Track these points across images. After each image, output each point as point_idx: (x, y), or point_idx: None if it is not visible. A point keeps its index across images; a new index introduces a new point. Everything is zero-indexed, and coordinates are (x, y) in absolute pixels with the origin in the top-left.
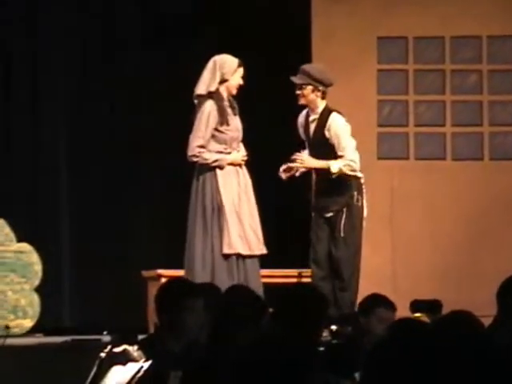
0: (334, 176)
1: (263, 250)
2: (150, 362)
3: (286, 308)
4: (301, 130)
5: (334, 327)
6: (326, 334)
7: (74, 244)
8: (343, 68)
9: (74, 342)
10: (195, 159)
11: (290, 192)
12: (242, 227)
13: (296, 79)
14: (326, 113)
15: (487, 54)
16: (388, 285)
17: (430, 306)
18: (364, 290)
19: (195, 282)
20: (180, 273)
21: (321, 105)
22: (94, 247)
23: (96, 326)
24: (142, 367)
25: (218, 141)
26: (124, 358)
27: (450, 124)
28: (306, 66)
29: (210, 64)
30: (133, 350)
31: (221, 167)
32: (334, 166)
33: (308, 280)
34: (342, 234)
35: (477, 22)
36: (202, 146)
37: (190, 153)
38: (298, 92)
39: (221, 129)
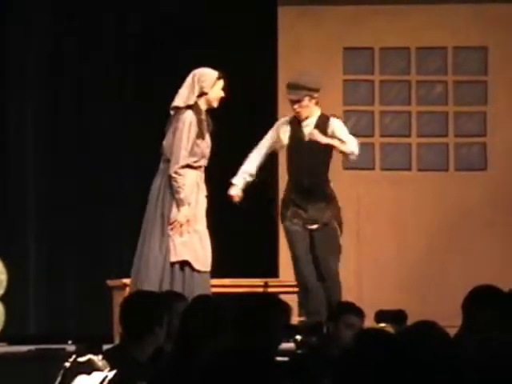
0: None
1: (207, 268)
2: (114, 372)
3: (245, 318)
4: (284, 136)
5: (298, 337)
6: (291, 344)
7: (40, 252)
8: None
9: (38, 351)
10: (174, 177)
11: (256, 200)
12: (193, 241)
13: (293, 96)
14: (325, 119)
15: (452, 64)
16: (353, 294)
17: (395, 316)
18: None
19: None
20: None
21: (317, 111)
22: (59, 256)
23: (61, 335)
24: (106, 377)
25: (190, 152)
26: (89, 368)
27: (415, 135)
28: (298, 80)
29: (189, 78)
30: (98, 359)
31: (178, 199)
32: (352, 144)
33: (274, 290)
34: (326, 248)
35: (442, 33)
36: (184, 166)
37: (173, 170)
38: (297, 108)
39: (197, 141)
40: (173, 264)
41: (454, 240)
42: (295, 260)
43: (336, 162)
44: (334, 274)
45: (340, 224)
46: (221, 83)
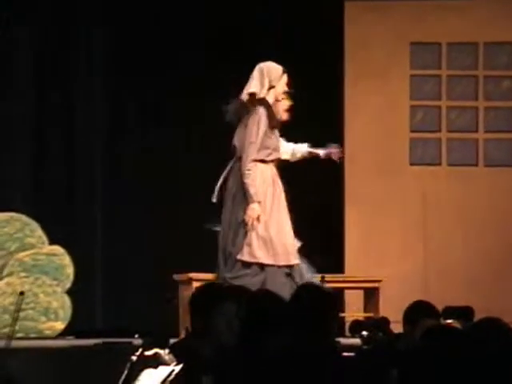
0: None
1: (290, 261)
2: (181, 366)
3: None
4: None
5: (365, 333)
6: (357, 339)
7: (106, 246)
8: (376, 73)
9: (105, 344)
10: (246, 173)
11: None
12: (267, 237)
13: None
14: None
15: None
16: (419, 290)
17: (462, 312)
18: (397, 294)
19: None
20: (211, 276)
21: None
22: (125, 250)
23: (127, 329)
24: (173, 371)
25: (262, 146)
26: (155, 362)
27: (482, 130)
28: None
29: (256, 71)
30: (164, 353)
31: (249, 195)
32: None
33: (339, 285)
34: None
35: (510, 28)
36: (253, 160)
37: (244, 166)
38: None
39: (268, 134)
40: (243, 262)
41: None
42: None
43: (402, 157)
44: None
45: None
46: (285, 77)
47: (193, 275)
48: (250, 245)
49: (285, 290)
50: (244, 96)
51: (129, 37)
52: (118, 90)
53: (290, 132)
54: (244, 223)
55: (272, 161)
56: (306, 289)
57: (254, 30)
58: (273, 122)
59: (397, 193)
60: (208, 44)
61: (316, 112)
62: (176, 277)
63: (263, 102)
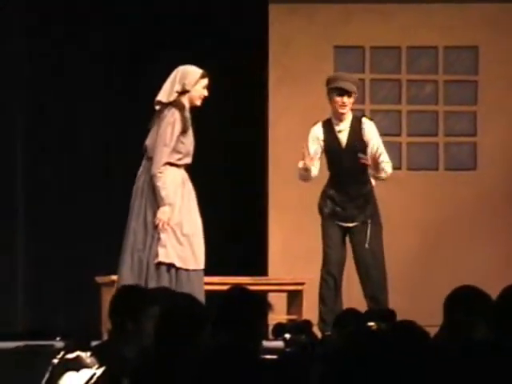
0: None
1: (198, 266)
2: (103, 369)
3: (225, 315)
4: (318, 144)
5: (287, 336)
6: (279, 342)
7: (29, 248)
8: (300, 76)
9: (26, 347)
10: (156, 176)
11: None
12: (178, 239)
13: (349, 87)
14: (357, 121)
15: (443, 64)
16: (343, 293)
17: (383, 315)
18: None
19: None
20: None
21: (350, 115)
22: (47, 252)
23: (49, 332)
24: (94, 374)
25: (174, 150)
26: (77, 365)
27: (405, 134)
28: (351, 77)
29: (173, 74)
30: (86, 356)
31: (160, 198)
32: (389, 166)
33: (263, 288)
34: (367, 245)
35: (433, 33)
36: (164, 164)
37: (155, 169)
38: (349, 100)
39: (181, 139)
40: (159, 264)
41: (443, 239)
42: (326, 257)
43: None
44: (376, 272)
45: (379, 221)
46: (204, 82)
47: (116, 277)
48: (164, 246)
49: (202, 293)
50: (155, 101)
51: None
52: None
53: (214, 135)
54: (155, 226)
55: (183, 165)
56: (233, 291)
57: (176, 31)
58: (186, 126)
59: (319, 195)
60: (128, 46)
61: (240, 115)
62: (99, 279)
63: (176, 104)
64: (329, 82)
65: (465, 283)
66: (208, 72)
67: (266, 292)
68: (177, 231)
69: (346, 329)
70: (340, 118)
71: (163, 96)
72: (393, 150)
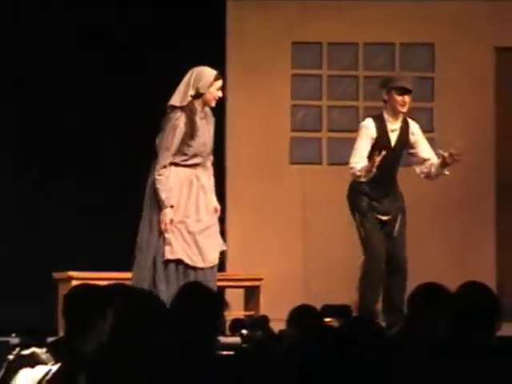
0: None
1: (205, 264)
2: (58, 365)
3: (180, 312)
4: (371, 141)
5: (244, 331)
6: (236, 338)
7: None
8: (258, 73)
9: None
10: (158, 179)
11: None
12: (184, 237)
13: (412, 86)
14: (405, 119)
15: (400, 61)
16: (300, 288)
17: (340, 311)
18: (278, 293)
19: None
20: (90, 275)
21: (401, 114)
22: (3, 246)
23: (4, 328)
24: (50, 370)
25: (180, 151)
26: (32, 361)
27: None
28: (409, 74)
29: (187, 76)
30: (41, 352)
31: (160, 200)
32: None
33: (221, 284)
34: (396, 234)
35: (391, 30)
36: (165, 166)
37: (155, 171)
38: (409, 99)
39: (188, 142)
40: (167, 262)
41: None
42: (372, 250)
43: (283, 156)
44: (406, 265)
45: (406, 212)
46: (218, 84)
47: (72, 273)
48: (170, 244)
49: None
50: (167, 105)
51: None
52: None
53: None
54: (159, 227)
55: (192, 165)
56: (190, 287)
57: (135, 30)
58: (193, 130)
59: (278, 192)
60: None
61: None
62: (55, 275)
63: (188, 108)
64: (387, 81)
65: (422, 281)
66: (167, 70)
67: (223, 288)
68: (182, 230)
69: (303, 325)
70: (397, 116)
71: (176, 100)
72: (350, 145)
